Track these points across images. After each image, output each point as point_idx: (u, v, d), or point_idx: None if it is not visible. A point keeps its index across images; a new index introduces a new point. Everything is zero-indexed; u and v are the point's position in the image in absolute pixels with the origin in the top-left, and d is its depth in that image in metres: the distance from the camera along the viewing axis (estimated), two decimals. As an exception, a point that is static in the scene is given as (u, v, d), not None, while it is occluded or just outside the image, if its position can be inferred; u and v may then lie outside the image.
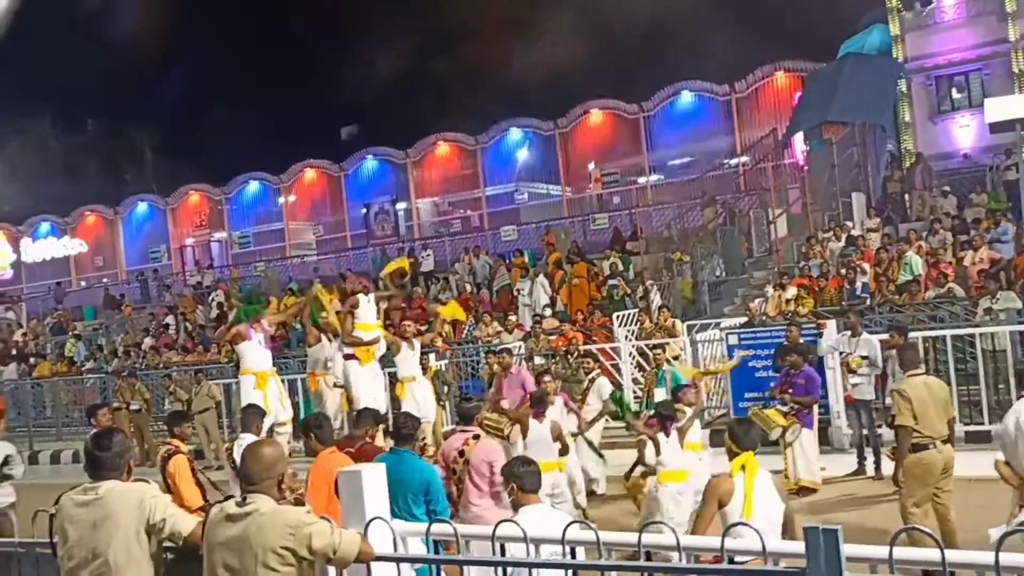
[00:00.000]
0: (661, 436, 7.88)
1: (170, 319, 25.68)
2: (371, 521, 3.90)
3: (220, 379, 16.79)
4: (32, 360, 25.01)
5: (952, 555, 3.04)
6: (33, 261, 35.76)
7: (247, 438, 7.49)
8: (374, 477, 4.18)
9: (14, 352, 26.19)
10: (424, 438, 9.23)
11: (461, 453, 6.89)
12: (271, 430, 9.50)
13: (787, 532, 5.14)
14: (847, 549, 2.88)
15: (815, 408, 10.44)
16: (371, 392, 10.55)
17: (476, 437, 7.06)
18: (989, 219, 17.42)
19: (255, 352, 9.94)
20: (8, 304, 31.41)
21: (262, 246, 33.05)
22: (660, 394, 10.63)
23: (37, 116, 47.11)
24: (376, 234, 30.22)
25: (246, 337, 9.85)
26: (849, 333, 10.99)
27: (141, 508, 4.04)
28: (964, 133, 23.43)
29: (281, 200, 33.06)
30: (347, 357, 10.63)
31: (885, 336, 10.55)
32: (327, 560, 3.70)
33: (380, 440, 9.29)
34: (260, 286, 26.46)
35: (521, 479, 5.07)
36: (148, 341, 23.97)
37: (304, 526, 3.64)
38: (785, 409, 10.04)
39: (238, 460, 7.51)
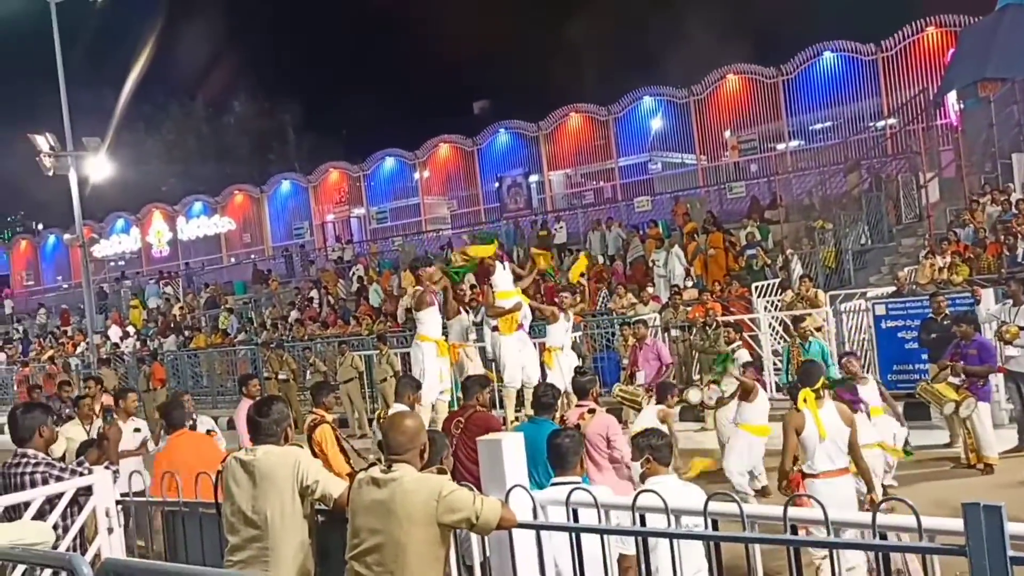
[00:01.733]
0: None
1: (314, 293, 26.69)
2: (511, 489, 3.95)
3: (361, 351, 17.34)
4: (188, 332, 26.52)
5: None
6: (188, 239, 37.83)
7: (400, 408, 7.69)
8: (513, 446, 4.23)
9: (172, 325, 27.85)
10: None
11: (577, 427, 6.91)
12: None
13: (852, 453, 6.20)
14: (1011, 528, 2.72)
15: (991, 380, 9.91)
16: (518, 361, 10.59)
17: (591, 411, 7.07)
18: None
19: (434, 319, 9.74)
20: (167, 280, 33.36)
21: (399, 221, 33.86)
22: None
23: (189, 101, 49.74)
24: (509, 207, 30.42)
25: (431, 303, 9.62)
26: (1011, 302, 10.35)
27: (295, 471, 4.23)
28: None
29: (416, 176, 33.69)
30: (494, 329, 10.74)
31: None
32: (469, 527, 3.79)
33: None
34: (397, 261, 27.13)
35: (658, 451, 5.11)
36: (294, 314, 25.02)
37: (447, 494, 3.73)
38: (957, 382, 9.54)
39: None
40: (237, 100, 51.35)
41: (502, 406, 11.30)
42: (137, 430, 8.60)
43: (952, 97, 21.14)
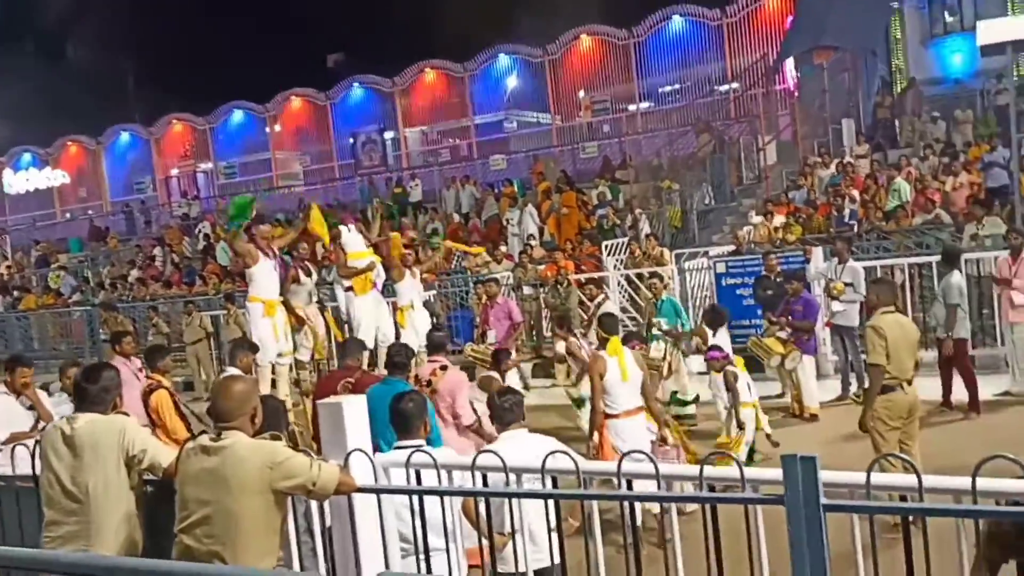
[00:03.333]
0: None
1: (157, 251, 25.54)
2: (351, 453, 3.89)
3: (208, 311, 16.73)
4: (16, 293, 24.88)
5: (930, 480, 3.05)
6: (16, 193, 35.37)
7: (233, 372, 7.42)
8: (355, 409, 4.17)
9: (-1, 285, 26.07)
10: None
11: (428, 383, 6.90)
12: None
13: (644, 395, 6.95)
14: (824, 476, 2.87)
15: (819, 333, 10.47)
16: (373, 321, 10.44)
17: (444, 368, 7.08)
18: (978, 144, 17.28)
19: (266, 277, 9.22)
20: (-8, 236, 31.17)
21: (248, 176, 32.66)
22: (663, 324, 10.64)
23: (16, 44, 46.11)
24: (364, 164, 29.88)
25: (257, 260, 9.07)
26: (836, 260, 10.99)
27: (120, 440, 4.04)
28: (956, 58, 23.12)
29: (267, 130, 32.61)
30: (348, 289, 10.53)
31: (872, 263, 10.49)
32: (307, 493, 3.69)
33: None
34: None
35: (508, 412, 4.99)
36: (135, 273, 23.87)
37: (282, 460, 3.61)
38: (784, 336, 10.07)
39: None
40: (71, 45, 48.04)
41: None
42: (31, 408, 7.14)
43: (790, 64, 22.08)
